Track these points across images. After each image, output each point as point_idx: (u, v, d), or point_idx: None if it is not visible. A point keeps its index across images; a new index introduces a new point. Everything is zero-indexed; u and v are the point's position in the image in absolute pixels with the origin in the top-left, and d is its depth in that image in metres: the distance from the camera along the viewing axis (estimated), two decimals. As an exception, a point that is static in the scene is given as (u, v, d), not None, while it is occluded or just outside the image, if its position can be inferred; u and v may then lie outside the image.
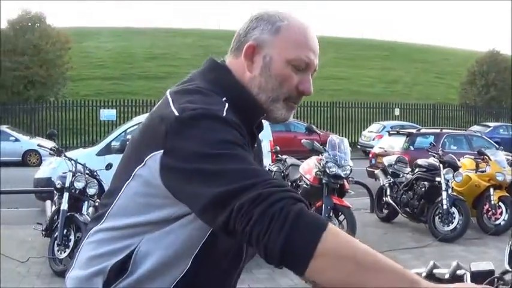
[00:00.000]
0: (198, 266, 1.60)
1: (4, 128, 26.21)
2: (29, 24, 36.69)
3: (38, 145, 12.87)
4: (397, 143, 13.87)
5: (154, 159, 1.54)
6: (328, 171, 7.55)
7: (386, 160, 10.50)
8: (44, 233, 7.76)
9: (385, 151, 11.14)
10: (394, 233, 9.20)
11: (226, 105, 1.58)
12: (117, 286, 1.63)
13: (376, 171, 10.55)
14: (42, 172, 11.69)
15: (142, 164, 1.58)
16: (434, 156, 9.13)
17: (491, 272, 1.52)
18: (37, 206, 11.11)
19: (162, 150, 1.52)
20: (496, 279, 1.52)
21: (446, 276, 1.57)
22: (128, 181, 1.62)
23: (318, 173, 7.75)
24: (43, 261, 7.33)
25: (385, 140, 14.39)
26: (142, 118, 9.55)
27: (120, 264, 1.63)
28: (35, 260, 7.59)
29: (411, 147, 14.06)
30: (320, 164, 7.76)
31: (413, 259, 7.32)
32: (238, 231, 1.38)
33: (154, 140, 1.56)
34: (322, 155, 7.81)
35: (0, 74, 32.02)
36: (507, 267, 1.48)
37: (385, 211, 9.87)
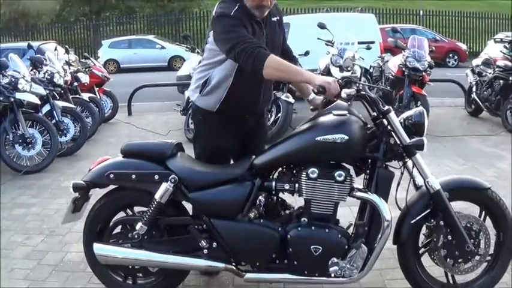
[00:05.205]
0: (237, 80, 3.48)
1: (151, 37, 28.32)
2: None
3: (177, 44, 14.32)
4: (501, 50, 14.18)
5: (211, 34, 3.45)
6: (408, 64, 8.87)
7: (474, 61, 11.46)
8: (181, 112, 9.81)
9: (489, 57, 11.88)
10: (475, 124, 10.16)
11: (237, 7, 3.34)
12: (202, 92, 3.60)
13: (466, 71, 11.48)
14: (183, 70, 12.78)
15: (208, 37, 3.52)
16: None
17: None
18: (180, 99, 11.98)
19: (212, 31, 3.43)
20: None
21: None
22: (207, 44, 3.57)
23: (400, 65, 9.11)
24: (180, 133, 9.28)
25: (490, 47, 14.68)
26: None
27: (203, 83, 3.58)
28: (174, 132, 9.69)
29: (512, 53, 14.12)
30: (403, 58, 9.11)
31: (478, 143, 8.47)
32: (239, 62, 3.26)
33: (210, 26, 3.49)
34: (404, 51, 9.14)
35: None
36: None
37: (473, 106, 10.83)
